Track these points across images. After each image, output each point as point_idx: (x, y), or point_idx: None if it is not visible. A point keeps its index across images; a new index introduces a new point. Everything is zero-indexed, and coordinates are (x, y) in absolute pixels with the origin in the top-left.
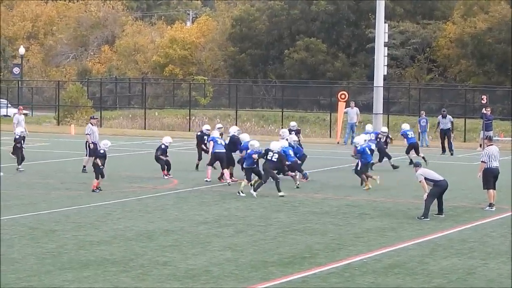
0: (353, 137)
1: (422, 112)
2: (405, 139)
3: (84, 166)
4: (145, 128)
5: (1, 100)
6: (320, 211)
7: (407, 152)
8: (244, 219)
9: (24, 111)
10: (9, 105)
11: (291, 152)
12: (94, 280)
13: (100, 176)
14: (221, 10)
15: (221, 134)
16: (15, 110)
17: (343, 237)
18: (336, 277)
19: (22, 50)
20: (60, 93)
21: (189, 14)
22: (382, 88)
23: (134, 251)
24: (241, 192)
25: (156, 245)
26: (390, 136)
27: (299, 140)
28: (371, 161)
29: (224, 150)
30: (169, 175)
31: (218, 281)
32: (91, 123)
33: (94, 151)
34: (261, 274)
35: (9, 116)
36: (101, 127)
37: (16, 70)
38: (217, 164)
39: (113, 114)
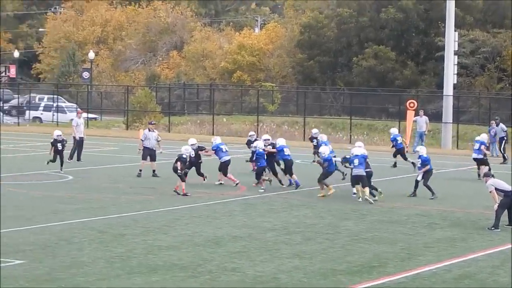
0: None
1: (492, 121)
2: (394, 144)
3: (140, 170)
4: (213, 134)
5: (71, 104)
6: (388, 220)
7: (394, 156)
8: (312, 227)
9: (93, 115)
10: (79, 109)
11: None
12: (162, 284)
13: (181, 179)
14: (289, 17)
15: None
16: (84, 115)
17: (412, 247)
18: (405, 287)
19: (91, 55)
20: (129, 98)
21: (257, 20)
22: (452, 97)
23: (202, 257)
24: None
25: (224, 251)
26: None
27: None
28: (333, 171)
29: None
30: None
31: None
32: (148, 128)
33: (147, 155)
34: (330, 282)
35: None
36: (169, 132)
37: (85, 74)
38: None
39: (181, 120)
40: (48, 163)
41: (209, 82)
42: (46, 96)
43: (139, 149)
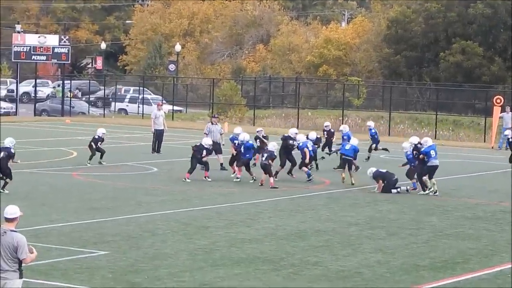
0: (508, 143)
1: None
2: (371, 137)
3: (222, 164)
4: (297, 128)
5: (156, 96)
6: (473, 216)
7: (369, 150)
8: (396, 222)
9: (178, 108)
10: (164, 101)
11: None
12: (245, 278)
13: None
14: (376, 11)
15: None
16: (169, 107)
17: (496, 243)
18: (488, 283)
19: (178, 47)
20: (214, 91)
21: (344, 14)
22: None
23: (285, 250)
24: None
25: (307, 245)
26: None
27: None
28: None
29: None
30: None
31: (369, 283)
32: (211, 121)
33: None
34: (413, 277)
35: (164, 112)
36: (253, 125)
37: (171, 67)
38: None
39: (266, 113)
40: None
41: (295, 76)
42: (132, 88)
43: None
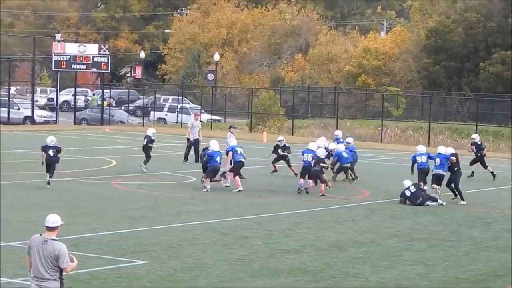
0: None
1: None
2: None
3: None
4: None
5: (195, 105)
6: None
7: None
8: (436, 234)
9: (216, 117)
10: (203, 111)
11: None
12: None
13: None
14: (416, 21)
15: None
16: (208, 116)
17: None
18: None
19: (216, 57)
20: (253, 100)
21: (383, 24)
22: None
23: (324, 261)
24: None
25: (347, 256)
26: None
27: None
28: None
29: (243, 160)
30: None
31: None
32: (230, 132)
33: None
34: None
35: (202, 122)
36: (292, 135)
37: (210, 76)
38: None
39: (304, 123)
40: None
41: (334, 86)
42: (170, 97)
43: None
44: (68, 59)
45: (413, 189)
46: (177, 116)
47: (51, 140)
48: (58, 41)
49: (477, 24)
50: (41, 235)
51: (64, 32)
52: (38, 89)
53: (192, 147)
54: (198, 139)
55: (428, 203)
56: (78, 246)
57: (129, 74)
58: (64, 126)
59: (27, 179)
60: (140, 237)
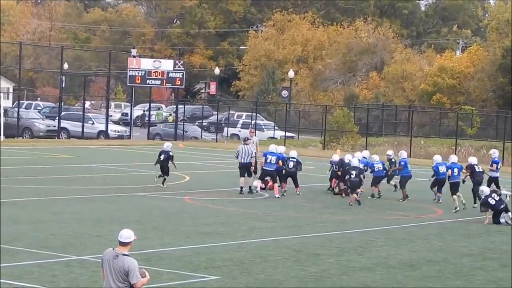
0: None
1: None
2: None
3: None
4: (410, 156)
5: (269, 122)
6: None
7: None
8: (509, 253)
9: (290, 134)
10: (276, 127)
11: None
12: None
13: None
14: (492, 40)
15: None
16: (282, 133)
17: None
18: None
19: (291, 74)
20: (327, 118)
21: (458, 43)
22: None
23: (396, 280)
24: None
25: (419, 274)
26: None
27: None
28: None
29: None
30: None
31: None
32: (245, 142)
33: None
34: None
35: (276, 138)
36: None
37: (284, 93)
38: None
39: (378, 141)
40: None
41: (408, 104)
42: (244, 114)
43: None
44: (143, 74)
45: (496, 197)
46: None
47: (166, 146)
48: (134, 56)
49: None
50: (113, 249)
51: (139, 48)
52: (112, 104)
53: None
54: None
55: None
56: (150, 261)
57: (203, 90)
58: (137, 141)
59: (100, 194)
60: (212, 253)
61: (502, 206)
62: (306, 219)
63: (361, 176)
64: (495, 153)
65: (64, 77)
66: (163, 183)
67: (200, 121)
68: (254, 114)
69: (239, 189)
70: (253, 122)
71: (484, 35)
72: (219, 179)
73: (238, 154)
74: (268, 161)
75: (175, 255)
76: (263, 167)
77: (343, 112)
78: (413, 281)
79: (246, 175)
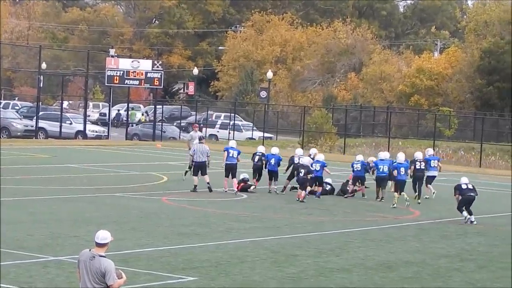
0: None
1: None
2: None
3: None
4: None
5: (247, 122)
6: None
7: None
8: (486, 255)
9: (268, 135)
10: (255, 128)
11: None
12: None
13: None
14: (470, 42)
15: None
16: (260, 134)
17: None
18: None
19: (270, 74)
20: (305, 118)
21: (437, 44)
22: None
23: (374, 281)
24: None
25: (397, 276)
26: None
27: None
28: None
29: (235, 162)
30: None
31: None
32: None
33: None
34: None
35: (254, 139)
36: (344, 154)
37: (263, 93)
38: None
39: (356, 142)
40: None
41: (386, 105)
42: (223, 114)
43: (190, 166)
44: (121, 74)
45: (470, 185)
46: (229, 133)
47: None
48: (112, 56)
49: None
50: (90, 250)
51: (117, 47)
52: (90, 104)
53: None
54: None
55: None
56: (127, 262)
57: (182, 91)
58: (115, 141)
59: (78, 194)
60: (190, 254)
61: (470, 194)
62: (285, 220)
63: (309, 175)
64: (428, 151)
65: (42, 76)
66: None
67: (179, 121)
68: (232, 114)
69: (193, 187)
70: (231, 122)
71: (462, 36)
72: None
73: (194, 153)
74: (231, 155)
75: (152, 256)
76: (226, 162)
77: (321, 113)
78: (391, 282)
79: (200, 173)
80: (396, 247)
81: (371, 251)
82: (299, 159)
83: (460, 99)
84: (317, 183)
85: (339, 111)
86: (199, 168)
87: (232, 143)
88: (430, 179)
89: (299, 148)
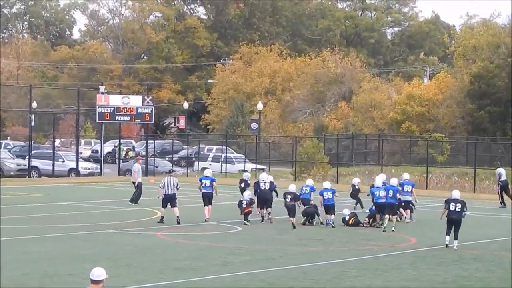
0: None
1: None
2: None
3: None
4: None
5: (239, 155)
6: None
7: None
8: (483, 281)
9: (260, 166)
10: (247, 160)
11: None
12: None
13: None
14: (459, 67)
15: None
16: (253, 165)
17: None
18: None
19: (260, 106)
20: (297, 149)
21: (426, 70)
22: None
23: None
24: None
25: None
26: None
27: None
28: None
29: (210, 191)
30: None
31: None
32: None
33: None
34: None
35: (247, 171)
36: (337, 183)
37: (254, 125)
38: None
39: (349, 171)
40: None
41: (378, 133)
42: (214, 147)
43: (158, 197)
44: (112, 111)
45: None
46: (221, 165)
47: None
48: (102, 93)
49: None
50: None
51: (107, 84)
52: (82, 141)
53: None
54: (141, 182)
55: None
56: None
57: (172, 125)
58: (108, 177)
59: (72, 232)
60: None
61: (453, 216)
62: (279, 252)
63: (297, 202)
64: (404, 175)
65: (33, 115)
66: None
67: (171, 155)
68: (224, 147)
69: (160, 218)
70: (223, 155)
71: (451, 61)
72: (190, 213)
73: (163, 185)
74: (203, 185)
75: None
76: (202, 191)
77: (313, 143)
78: None
79: (169, 205)
80: (393, 276)
81: (368, 280)
82: (264, 183)
83: (451, 125)
84: (330, 212)
85: (330, 140)
86: (168, 200)
87: (207, 172)
88: (405, 204)
89: (264, 173)
